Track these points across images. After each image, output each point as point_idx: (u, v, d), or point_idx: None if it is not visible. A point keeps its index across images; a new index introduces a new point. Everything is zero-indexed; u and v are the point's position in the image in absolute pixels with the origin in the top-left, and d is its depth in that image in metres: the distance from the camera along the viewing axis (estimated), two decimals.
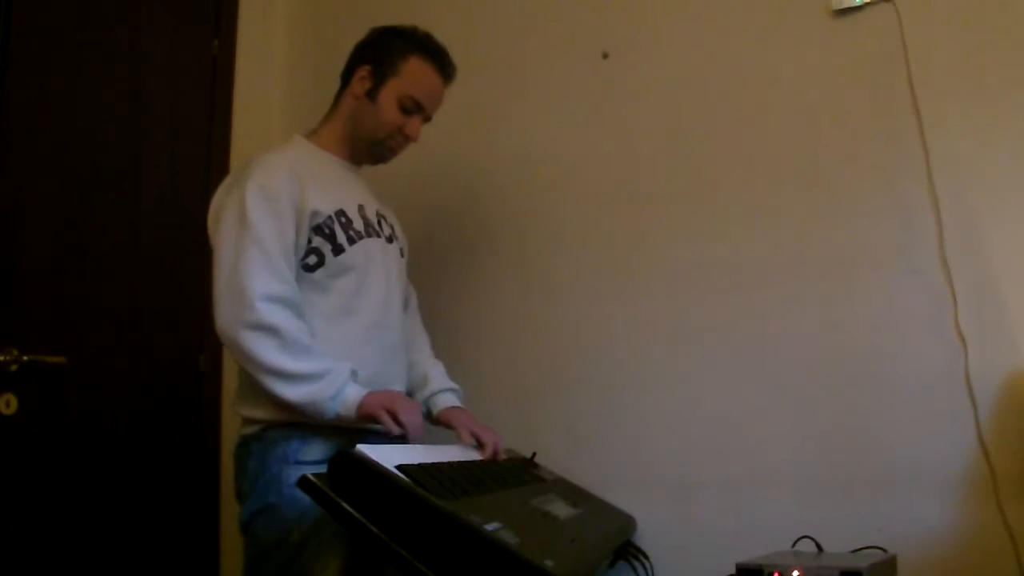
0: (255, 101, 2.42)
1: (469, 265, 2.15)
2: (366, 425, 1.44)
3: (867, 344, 1.65)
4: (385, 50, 1.64)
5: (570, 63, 2.08)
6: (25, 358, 1.72)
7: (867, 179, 1.70)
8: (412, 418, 1.44)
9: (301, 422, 1.44)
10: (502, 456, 1.60)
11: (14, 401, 1.70)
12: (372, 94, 1.62)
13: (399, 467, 1.19)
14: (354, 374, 1.45)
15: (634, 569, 1.76)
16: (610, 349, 1.92)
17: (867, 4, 1.73)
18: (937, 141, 1.63)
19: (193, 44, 2.26)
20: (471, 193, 2.18)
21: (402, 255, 1.74)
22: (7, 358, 1.69)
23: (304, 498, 1.16)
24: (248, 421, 1.50)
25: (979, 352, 1.54)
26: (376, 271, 1.59)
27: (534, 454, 1.75)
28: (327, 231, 1.52)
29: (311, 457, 1.43)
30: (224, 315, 1.41)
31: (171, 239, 2.12)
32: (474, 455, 1.55)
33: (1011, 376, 1.52)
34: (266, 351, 1.38)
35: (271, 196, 1.46)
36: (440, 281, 2.13)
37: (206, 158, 2.25)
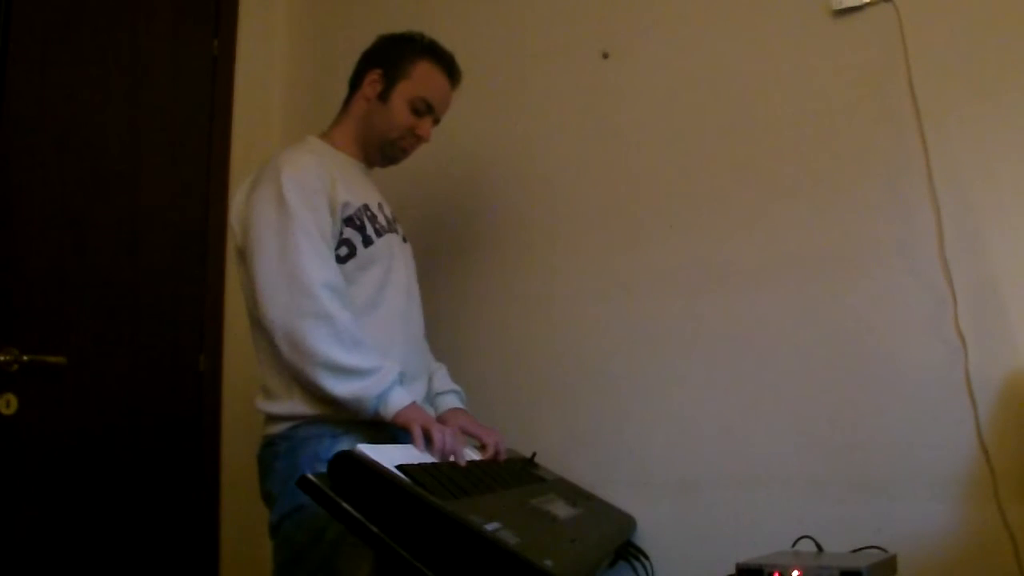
0: (255, 101, 2.43)
1: (469, 265, 2.15)
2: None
3: (867, 344, 1.65)
4: (395, 54, 1.67)
5: (570, 63, 2.08)
6: (25, 358, 1.72)
7: (867, 179, 1.70)
8: (442, 439, 1.40)
9: (331, 418, 1.44)
10: (504, 456, 1.60)
11: (14, 401, 1.70)
12: (384, 96, 1.65)
13: (399, 467, 1.19)
14: (401, 376, 1.46)
15: (634, 569, 1.76)
16: (610, 349, 1.91)
17: (867, 4, 1.73)
18: (937, 141, 1.63)
19: (193, 44, 2.26)
20: (471, 193, 2.18)
21: (413, 256, 1.76)
22: (7, 358, 1.69)
23: None
24: (273, 419, 1.48)
25: (979, 352, 1.54)
26: (398, 265, 1.62)
27: (534, 454, 1.75)
28: (358, 222, 1.54)
29: None
30: (279, 304, 1.41)
31: (171, 239, 2.12)
32: (475, 455, 1.55)
33: (1011, 376, 1.51)
34: (321, 341, 1.38)
35: (307, 187, 1.48)
36: (440, 281, 2.13)
37: (206, 158, 2.25)
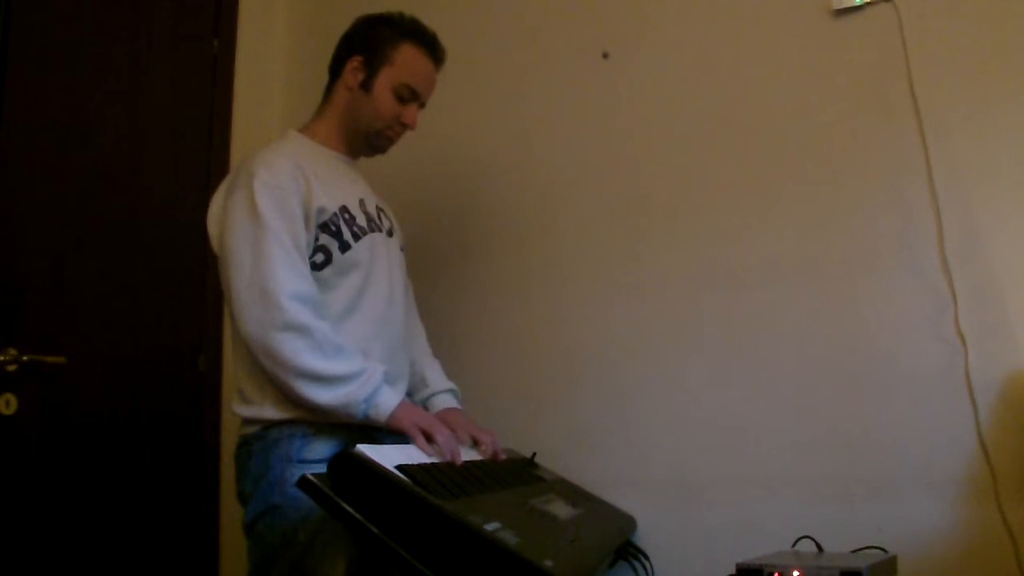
0: (255, 101, 2.43)
1: (469, 265, 2.15)
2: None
3: (867, 344, 1.65)
4: (375, 39, 1.63)
5: (570, 63, 2.08)
6: (25, 358, 1.72)
7: (867, 179, 1.70)
8: (447, 440, 1.40)
9: (303, 420, 1.43)
10: (501, 456, 1.60)
11: (14, 401, 1.70)
12: (366, 85, 1.61)
13: (399, 467, 1.19)
14: (386, 375, 1.44)
15: (634, 569, 1.76)
16: (610, 349, 1.91)
17: (867, 4, 1.73)
18: (937, 141, 1.63)
19: (193, 44, 2.26)
20: (471, 193, 2.18)
21: (401, 249, 1.73)
22: (7, 358, 1.69)
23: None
24: (247, 421, 1.49)
25: (979, 352, 1.54)
26: (380, 266, 1.58)
27: (534, 454, 1.75)
28: (334, 228, 1.50)
29: (315, 456, 1.41)
30: (252, 318, 1.38)
31: (171, 239, 2.12)
32: (474, 455, 1.55)
33: (1011, 376, 1.51)
34: (298, 353, 1.36)
35: (281, 194, 1.44)
36: (440, 281, 2.13)
37: (206, 158, 2.25)
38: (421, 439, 1.39)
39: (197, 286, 2.18)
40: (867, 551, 1.48)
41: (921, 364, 1.59)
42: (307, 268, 1.46)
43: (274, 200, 1.43)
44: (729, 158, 1.85)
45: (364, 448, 1.18)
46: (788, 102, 1.80)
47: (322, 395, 1.37)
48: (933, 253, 1.61)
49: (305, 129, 1.66)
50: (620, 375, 1.89)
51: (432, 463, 1.32)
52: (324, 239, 1.49)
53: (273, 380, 1.40)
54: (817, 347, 1.69)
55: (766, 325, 1.75)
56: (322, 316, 1.43)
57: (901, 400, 1.60)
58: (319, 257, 1.49)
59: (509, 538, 1.07)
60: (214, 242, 1.50)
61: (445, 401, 1.71)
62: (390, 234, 1.67)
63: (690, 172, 1.89)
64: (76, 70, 1.92)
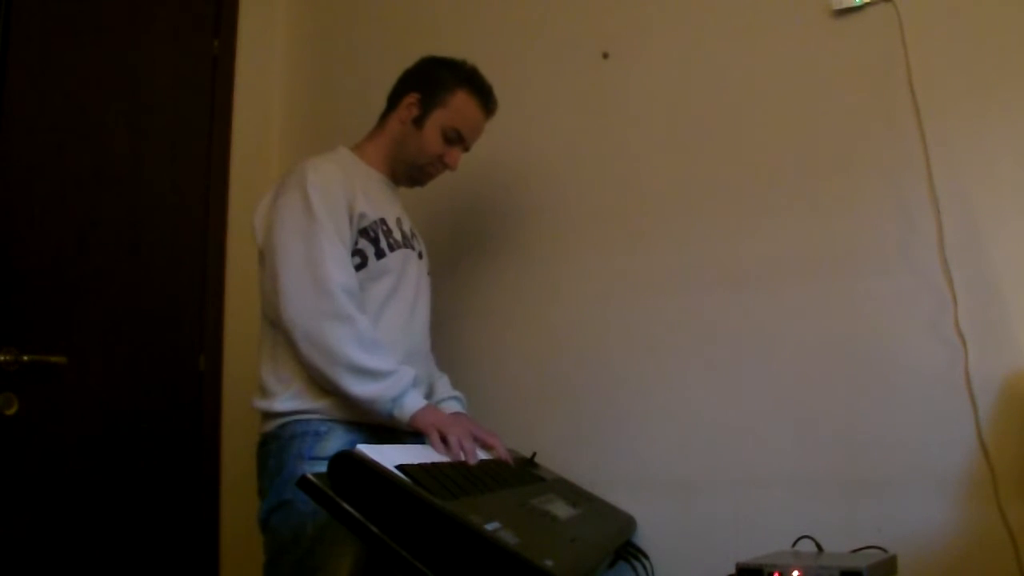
0: (255, 101, 2.43)
1: (469, 266, 2.15)
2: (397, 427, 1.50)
3: (867, 344, 1.65)
4: (434, 80, 1.71)
5: (570, 63, 2.08)
6: (25, 358, 1.72)
7: (867, 179, 1.70)
8: (458, 441, 1.45)
9: (316, 418, 1.48)
10: (509, 459, 1.60)
11: (15, 401, 1.70)
12: (418, 122, 1.69)
13: (399, 467, 1.19)
14: (415, 379, 1.51)
15: (634, 569, 1.76)
16: (610, 350, 1.92)
17: (867, 4, 1.73)
18: (937, 141, 1.63)
19: (193, 44, 2.26)
20: (470, 193, 2.18)
21: (428, 274, 1.79)
22: (7, 358, 1.69)
23: None
24: (266, 417, 1.53)
25: (979, 352, 1.54)
26: (408, 279, 1.66)
27: (534, 454, 1.75)
28: (372, 234, 1.58)
29: (326, 453, 1.44)
30: (300, 305, 1.45)
31: (171, 239, 2.12)
32: (483, 455, 1.55)
33: (1011, 376, 1.52)
34: (343, 342, 1.43)
35: (330, 196, 1.53)
36: (440, 281, 2.12)
37: (206, 158, 2.25)
38: (436, 437, 1.45)
39: (197, 285, 2.18)
40: (867, 551, 1.49)
41: (921, 364, 1.59)
42: (352, 266, 1.53)
43: (325, 200, 1.52)
44: (729, 158, 1.85)
45: (364, 448, 1.18)
46: (788, 102, 1.80)
47: (356, 387, 1.44)
48: (933, 253, 1.61)
49: (356, 148, 1.74)
50: (621, 375, 1.89)
51: (433, 463, 1.32)
52: (362, 243, 1.57)
53: (311, 367, 1.46)
54: (817, 347, 1.70)
55: (766, 325, 1.75)
56: (363, 311, 1.50)
57: (901, 400, 1.60)
58: (355, 260, 1.56)
59: (509, 538, 1.07)
60: (259, 236, 1.59)
61: (451, 407, 1.74)
62: (420, 256, 1.75)
63: (690, 172, 1.90)
64: (76, 70, 1.92)
